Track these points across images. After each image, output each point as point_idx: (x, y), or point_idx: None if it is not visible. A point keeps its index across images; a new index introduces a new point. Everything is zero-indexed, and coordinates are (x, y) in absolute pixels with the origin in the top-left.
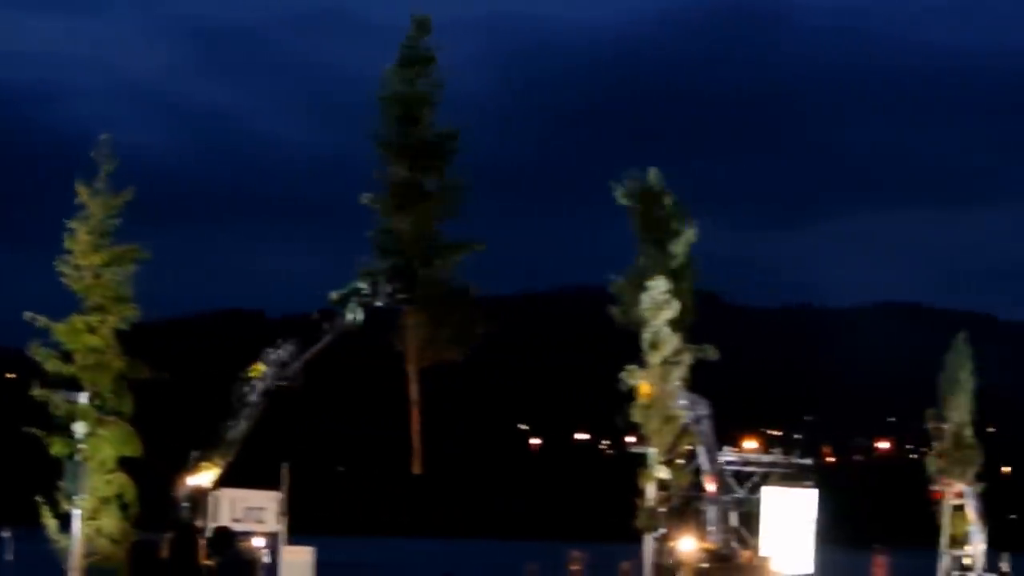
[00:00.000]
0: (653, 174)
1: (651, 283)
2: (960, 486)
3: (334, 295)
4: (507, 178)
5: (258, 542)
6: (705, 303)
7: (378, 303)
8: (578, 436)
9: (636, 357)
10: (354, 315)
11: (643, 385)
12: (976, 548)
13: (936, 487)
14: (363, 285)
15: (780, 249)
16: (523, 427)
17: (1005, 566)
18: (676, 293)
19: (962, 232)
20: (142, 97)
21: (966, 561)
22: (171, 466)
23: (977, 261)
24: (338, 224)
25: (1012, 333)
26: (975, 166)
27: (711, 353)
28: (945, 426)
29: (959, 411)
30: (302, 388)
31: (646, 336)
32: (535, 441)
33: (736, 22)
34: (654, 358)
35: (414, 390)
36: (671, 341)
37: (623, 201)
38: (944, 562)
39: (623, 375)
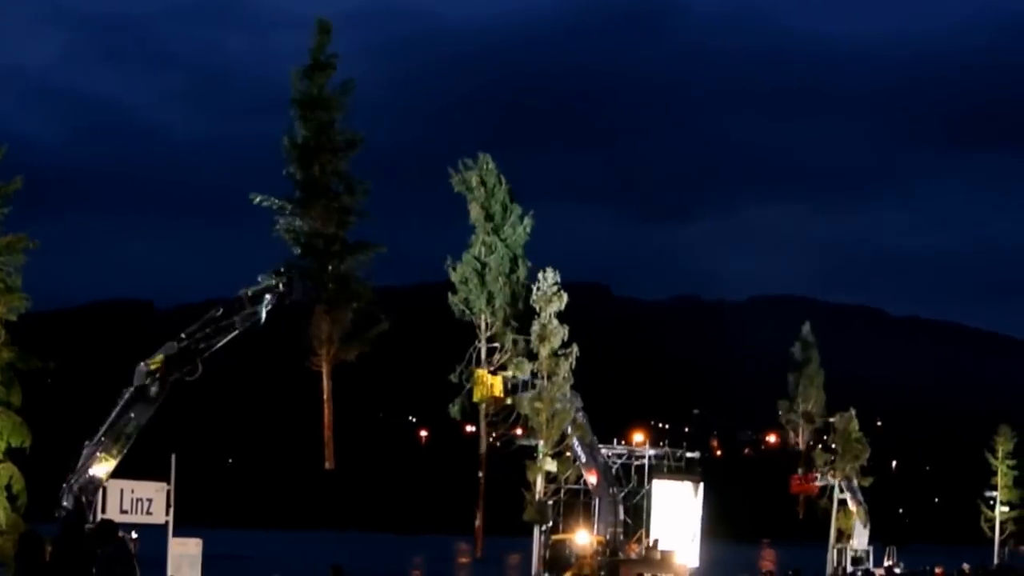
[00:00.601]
0: (486, 161)
1: (541, 275)
2: (825, 481)
3: (248, 291)
4: (385, 167)
5: (133, 534)
6: (595, 295)
7: (289, 301)
8: (468, 428)
9: (468, 345)
10: (265, 311)
11: (482, 375)
12: (860, 542)
13: (797, 481)
14: (277, 283)
15: (672, 241)
16: (412, 419)
17: (890, 560)
18: (511, 281)
19: (850, 226)
20: (33, 87)
21: (851, 555)
22: (63, 457)
23: (866, 255)
24: (227, 217)
25: (901, 329)
26: (864, 159)
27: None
28: (800, 421)
29: (811, 403)
30: (199, 381)
31: (534, 328)
32: (423, 433)
33: (627, 14)
34: (543, 350)
35: (327, 387)
36: (559, 333)
37: (458, 188)
38: (832, 556)
39: (460, 368)
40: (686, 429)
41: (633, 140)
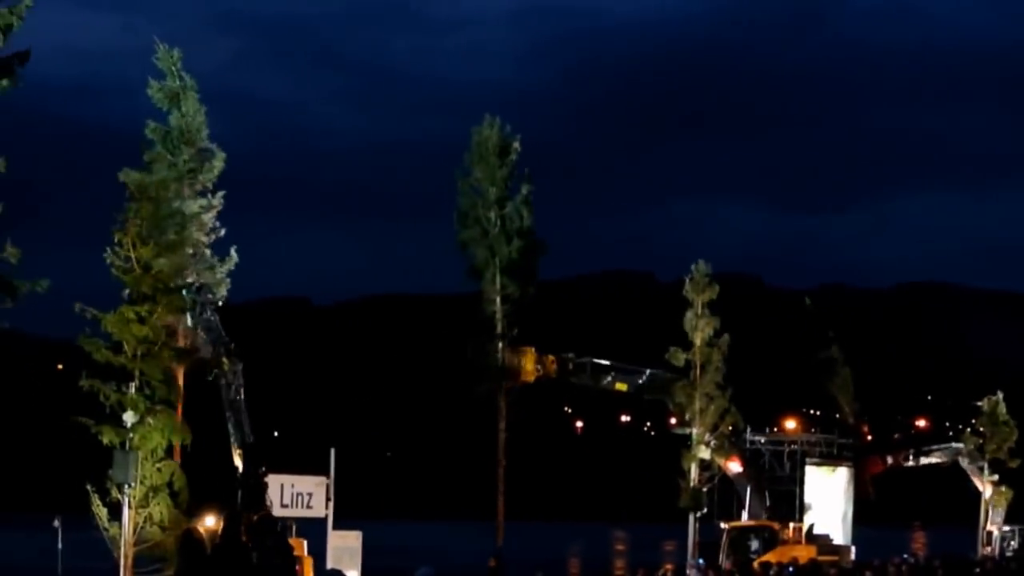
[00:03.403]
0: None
1: (693, 266)
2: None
3: None
4: (557, 164)
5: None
6: (748, 285)
7: None
8: (623, 418)
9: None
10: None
11: (533, 354)
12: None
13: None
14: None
15: (820, 231)
16: (567, 410)
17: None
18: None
19: (995, 212)
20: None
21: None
22: (220, 453)
23: (1009, 241)
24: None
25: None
26: (1010, 146)
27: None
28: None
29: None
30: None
31: (687, 317)
32: (579, 424)
33: (782, 8)
34: (696, 340)
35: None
36: (711, 323)
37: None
38: (982, 536)
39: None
40: (837, 416)
41: (785, 131)
